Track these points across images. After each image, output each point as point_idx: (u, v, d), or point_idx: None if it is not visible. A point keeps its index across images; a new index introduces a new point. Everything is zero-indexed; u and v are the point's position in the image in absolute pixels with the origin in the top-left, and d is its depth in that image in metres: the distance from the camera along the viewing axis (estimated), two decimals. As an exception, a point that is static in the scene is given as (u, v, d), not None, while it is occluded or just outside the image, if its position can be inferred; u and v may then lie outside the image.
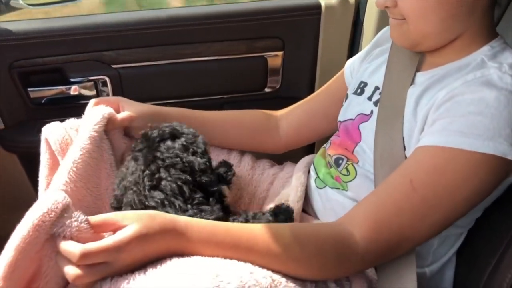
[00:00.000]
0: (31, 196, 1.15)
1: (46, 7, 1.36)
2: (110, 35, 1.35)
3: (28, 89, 1.36)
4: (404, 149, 0.80)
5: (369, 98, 0.91)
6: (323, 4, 1.42)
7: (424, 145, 0.73)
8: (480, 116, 0.69)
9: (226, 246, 0.66)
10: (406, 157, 0.79)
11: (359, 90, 0.96)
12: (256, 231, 0.69)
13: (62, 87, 1.38)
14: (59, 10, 1.61)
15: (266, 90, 1.52)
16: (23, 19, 1.38)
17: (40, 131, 1.36)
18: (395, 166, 0.79)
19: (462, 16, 0.76)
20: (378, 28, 1.39)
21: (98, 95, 1.41)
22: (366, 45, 1.44)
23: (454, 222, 0.74)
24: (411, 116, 0.80)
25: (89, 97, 1.40)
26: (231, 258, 0.65)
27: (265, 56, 1.46)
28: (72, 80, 1.37)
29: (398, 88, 0.84)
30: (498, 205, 0.81)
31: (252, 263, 0.65)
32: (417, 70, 0.85)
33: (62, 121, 1.39)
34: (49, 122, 1.41)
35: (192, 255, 0.64)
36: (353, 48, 1.50)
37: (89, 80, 1.38)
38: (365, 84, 0.95)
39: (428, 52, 0.85)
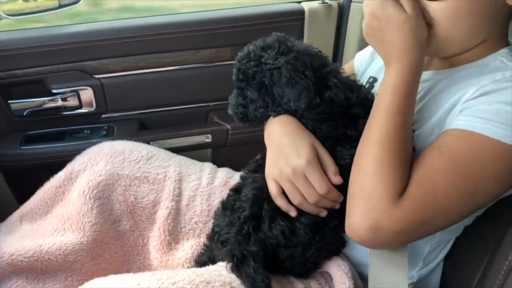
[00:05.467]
0: (15, 209, 1.13)
1: (26, 17, 1.33)
2: (91, 44, 1.33)
3: (9, 101, 1.34)
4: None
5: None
6: (306, 9, 1.42)
7: (448, 128, 0.72)
8: (508, 106, 0.68)
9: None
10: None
11: (367, 85, 0.96)
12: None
13: (44, 99, 1.36)
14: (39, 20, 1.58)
15: (252, 96, 1.52)
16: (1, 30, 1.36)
17: (23, 143, 1.34)
18: None
19: (488, 20, 0.75)
20: (362, 33, 1.39)
21: (81, 105, 1.39)
22: (350, 49, 1.45)
23: (482, 205, 0.72)
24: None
25: (72, 108, 1.39)
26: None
27: (249, 62, 1.46)
28: (54, 91, 1.35)
29: None
30: (487, 214, 0.81)
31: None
32: (425, 69, 0.83)
33: (45, 132, 1.38)
34: (32, 134, 1.41)
35: None
36: (337, 52, 1.50)
37: (72, 91, 1.36)
38: (375, 80, 0.96)
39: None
